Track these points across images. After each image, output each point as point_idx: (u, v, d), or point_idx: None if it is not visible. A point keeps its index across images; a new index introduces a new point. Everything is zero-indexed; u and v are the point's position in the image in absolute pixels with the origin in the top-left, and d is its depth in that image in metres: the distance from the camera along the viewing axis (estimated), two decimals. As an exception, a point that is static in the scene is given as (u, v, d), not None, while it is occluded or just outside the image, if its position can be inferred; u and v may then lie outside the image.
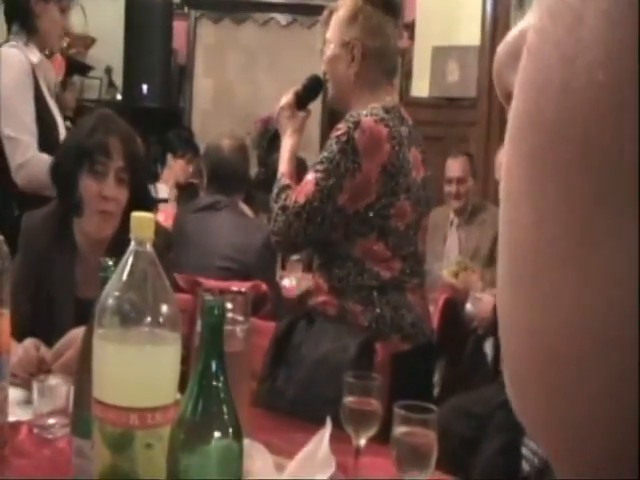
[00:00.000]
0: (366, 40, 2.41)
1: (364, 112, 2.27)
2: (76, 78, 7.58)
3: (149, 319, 1.12)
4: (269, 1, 7.34)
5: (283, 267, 4.41)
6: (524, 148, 0.32)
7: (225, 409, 1.02)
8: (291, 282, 4.31)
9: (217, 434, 1.02)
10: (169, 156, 5.63)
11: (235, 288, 1.72)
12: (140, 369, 1.09)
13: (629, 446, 0.28)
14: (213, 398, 1.02)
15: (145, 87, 7.26)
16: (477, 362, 4.11)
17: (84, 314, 2.13)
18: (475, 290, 4.02)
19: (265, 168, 4.27)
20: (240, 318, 1.64)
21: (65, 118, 6.68)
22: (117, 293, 1.12)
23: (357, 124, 2.24)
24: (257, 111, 7.05)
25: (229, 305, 1.61)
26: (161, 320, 1.12)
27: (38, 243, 2.32)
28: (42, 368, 1.94)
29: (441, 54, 6.08)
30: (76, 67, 7.41)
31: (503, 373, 0.35)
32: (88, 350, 1.29)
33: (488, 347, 4.08)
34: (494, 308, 3.72)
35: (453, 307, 3.89)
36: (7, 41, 3.41)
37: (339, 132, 2.26)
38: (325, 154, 2.27)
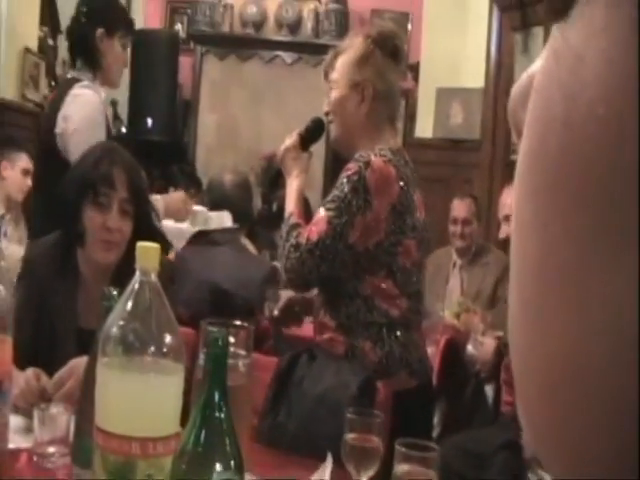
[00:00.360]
0: (376, 82, 2.42)
1: (373, 152, 2.29)
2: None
3: (153, 349, 1.11)
4: (275, 39, 7.40)
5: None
6: (531, 182, 0.33)
7: (227, 441, 1.02)
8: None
9: (219, 466, 1.01)
10: (171, 190, 5.63)
11: (237, 322, 1.71)
12: (143, 398, 1.09)
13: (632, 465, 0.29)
14: (215, 429, 1.02)
15: (150, 121, 7.30)
16: (478, 404, 4.08)
17: (86, 344, 2.12)
18: (477, 332, 4.00)
19: (268, 205, 4.27)
20: (242, 352, 1.63)
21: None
22: (121, 322, 1.12)
23: (368, 164, 2.25)
24: (261, 147, 7.08)
25: (231, 339, 1.61)
26: (165, 350, 1.12)
27: (41, 272, 2.32)
28: (43, 398, 1.92)
29: (445, 96, 6.10)
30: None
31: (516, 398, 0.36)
32: (90, 379, 1.29)
33: (489, 389, 4.04)
34: (495, 352, 3.71)
35: (454, 348, 3.86)
36: (74, 78, 3.41)
37: (350, 172, 2.27)
38: (336, 193, 2.27)
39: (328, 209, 2.26)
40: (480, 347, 3.91)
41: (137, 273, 1.15)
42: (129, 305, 1.13)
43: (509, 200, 3.90)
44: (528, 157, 0.34)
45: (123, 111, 7.65)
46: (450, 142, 6.05)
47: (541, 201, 0.32)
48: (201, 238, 3.71)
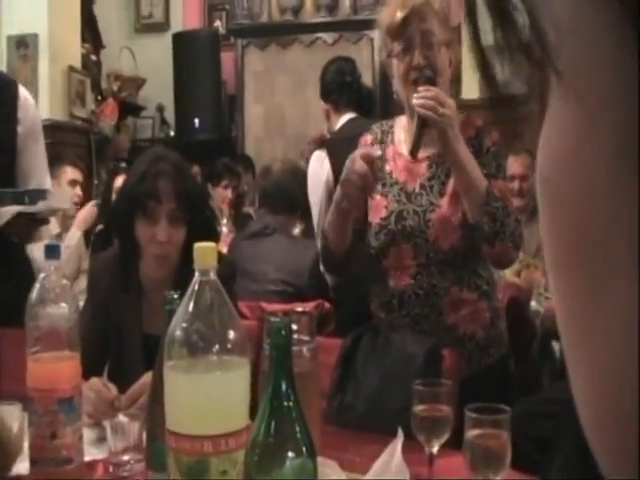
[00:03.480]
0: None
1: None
2: (129, 120, 7.71)
3: (217, 347, 1.13)
4: (314, 22, 7.33)
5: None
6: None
7: (298, 428, 1.04)
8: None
9: (291, 454, 1.03)
10: (209, 186, 5.68)
11: (299, 308, 1.73)
12: (212, 397, 1.11)
13: None
14: (285, 418, 1.04)
15: (197, 121, 7.33)
16: (545, 360, 4.06)
17: (152, 349, 2.20)
18: (539, 287, 3.98)
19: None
20: (306, 338, 1.63)
21: (119, 160, 6.85)
22: (184, 324, 1.14)
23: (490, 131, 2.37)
24: (309, 131, 7.05)
25: (294, 326, 1.63)
26: (229, 346, 1.14)
27: (105, 285, 2.38)
28: (113, 407, 1.97)
29: (490, 53, 6.05)
30: (129, 109, 7.55)
31: None
32: (159, 383, 1.32)
33: (555, 345, 4.02)
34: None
35: (518, 306, 3.85)
36: None
37: (496, 139, 2.35)
38: (500, 161, 2.39)
39: (504, 178, 2.39)
40: (544, 302, 3.89)
41: (196, 274, 1.17)
42: (190, 306, 1.15)
43: None
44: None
45: (170, 115, 7.73)
46: (499, 99, 5.99)
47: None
48: (250, 230, 3.77)
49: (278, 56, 7.45)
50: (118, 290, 2.36)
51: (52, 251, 1.58)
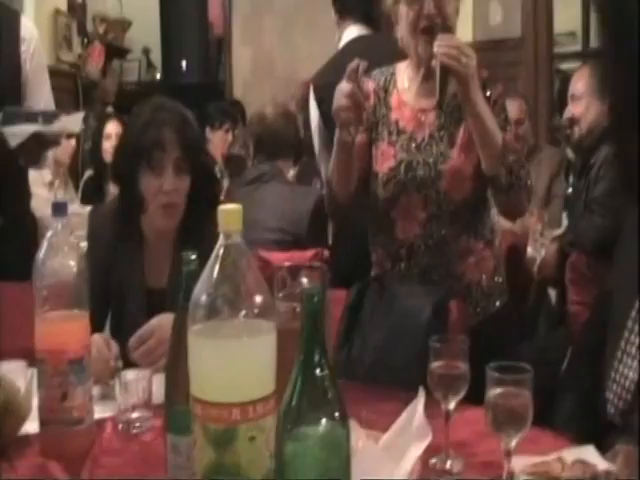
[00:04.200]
0: None
1: None
2: (115, 63, 7.61)
3: (244, 311, 1.10)
4: (304, -37, 7.21)
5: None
6: None
7: (330, 395, 1.01)
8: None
9: (324, 420, 1.01)
10: (207, 129, 5.61)
11: (308, 264, 1.70)
12: (239, 363, 1.07)
13: None
14: (317, 387, 1.01)
15: (184, 63, 7.25)
16: (541, 307, 4.06)
17: (155, 303, 2.20)
18: (535, 232, 3.96)
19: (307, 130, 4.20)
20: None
21: (106, 104, 6.76)
22: (210, 289, 1.10)
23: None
24: (298, 74, 7.00)
25: (304, 280, 1.60)
26: (256, 311, 1.10)
27: (105, 238, 2.33)
28: (116, 365, 1.97)
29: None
30: (115, 52, 7.45)
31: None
32: (177, 346, 1.30)
33: (552, 292, 4.03)
34: (558, 253, 3.67)
35: (515, 253, 3.82)
36: None
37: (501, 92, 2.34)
38: (506, 114, 2.38)
39: (509, 130, 2.34)
40: (540, 248, 3.88)
41: (221, 237, 1.12)
42: (216, 271, 1.11)
43: (579, 83, 3.83)
44: None
45: (157, 58, 7.62)
46: (492, 43, 5.91)
47: None
48: (246, 178, 3.70)
49: None
50: (119, 243, 2.32)
51: (59, 209, 1.53)
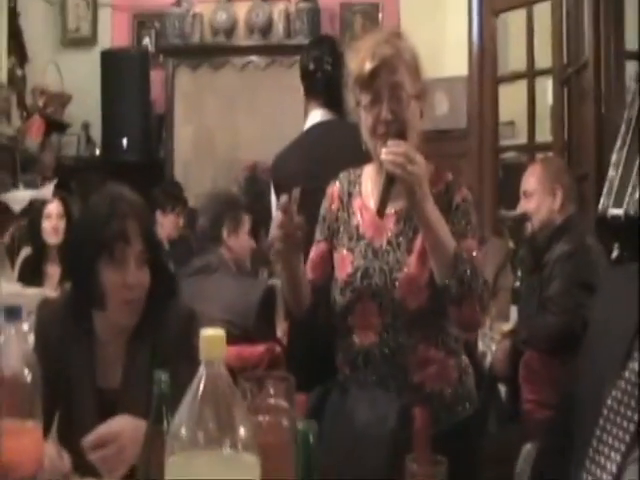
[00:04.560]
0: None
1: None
2: (54, 137, 7.50)
3: (225, 443, 1.02)
4: (246, 44, 7.30)
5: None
6: None
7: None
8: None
9: None
10: (158, 213, 5.49)
11: (275, 373, 1.59)
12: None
13: None
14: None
15: (124, 141, 7.17)
16: (491, 404, 3.98)
17: (107, 404, 2.08)
18: (484, 328, 3.90)
19: (253, 215, 4.12)
20: (285, 405, 1.45)
21: (45, 179, 6.62)
22: (189, 421, 1.02)
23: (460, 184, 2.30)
24: (239, 156, 7.03)
25: (271, 390, 1.45)
26: (239, 445, 1.02)
27: (54, 333, 2.19)
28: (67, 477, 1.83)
29: (428, 87, 6.00)
30: (54, 126, 7.35)
31: None
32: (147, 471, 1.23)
33: (502, 388, 3.96)
34: (510, 350, 3.61)
35: (467, 348, 3.76)
36: None
37: (466, 194, 2.27)
38: (470, 218, 2.26)
39: (473, 236, 2.24)
40: (490, 343, 3.83)
41: (202, 366, 1.04)
42: (197, 401, 1.03)
43: (532, 179, 3.82)
44: None
45: (97, 133, 7.52)
46: (436, 133, 5.95)
47: None
48: (192, 267, 3.60)
49: (209, 78, 7.39)
50: (69, 340, 2.18)
51: (12, 313, 1.41)
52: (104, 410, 2.04)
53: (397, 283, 2.21)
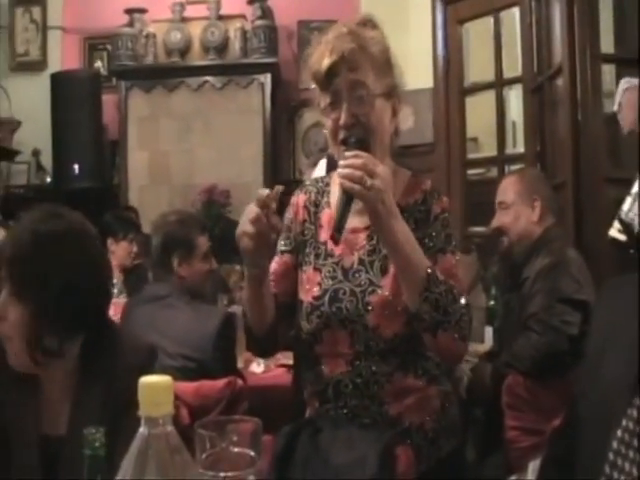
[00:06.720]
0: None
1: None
2: (3, 165, 7.30)
3: None
4: (202, 64, 7.14)
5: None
6: None
7: None
8: (260, 366, 3.87)
9: None
10: (109, 241, 5.19)
11: (237, 416, 1.31)
12: None
13: None
14: None
15: (76, 167, 6.94)
16: (468, 431, 3.76)
17: (51, 452, 1.89)
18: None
19: (212, 240, 3.88)
20: (251, 454, 1.19)
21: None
22: None
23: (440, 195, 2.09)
24: (195, 180, 6.88)
25: (234, 437, 1.18)
26: None
27: None
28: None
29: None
30: (2, 153, 7.14)
31: None
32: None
33: (478, 412, 3.74)
34: (492, 375, 3.38)
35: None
36: None
37: (445, 206, 2.04)
38: (449, 231, 2.02)
39: (453, 252, 2.01)
40: (466, 365, 3.62)
41: (143, 423, 0.84)
42: (137, 469, 0.84)
43: (508, 191, 3.65)
44: None
45: (48, 160, 7.26)
46: (402, 149, 5.75)
47: None
48: (145, 295, 3.37)
49: (164, 99, 7.25)
50: (10, 383, 1.94)
51: None
52: (49, 458, 1.86)
53: (370, 307, 1.96)
